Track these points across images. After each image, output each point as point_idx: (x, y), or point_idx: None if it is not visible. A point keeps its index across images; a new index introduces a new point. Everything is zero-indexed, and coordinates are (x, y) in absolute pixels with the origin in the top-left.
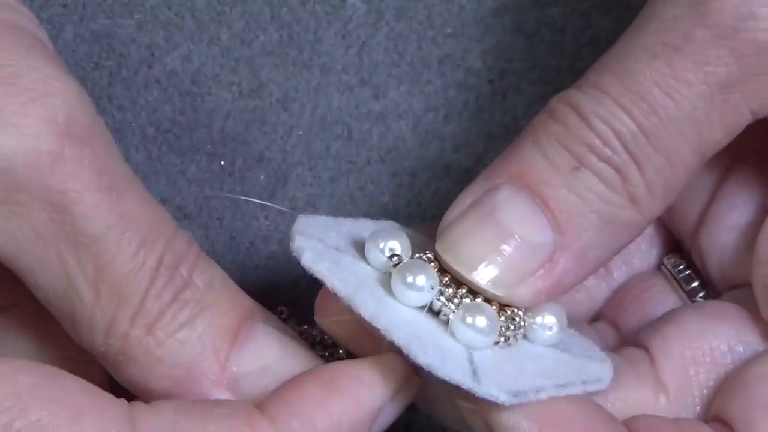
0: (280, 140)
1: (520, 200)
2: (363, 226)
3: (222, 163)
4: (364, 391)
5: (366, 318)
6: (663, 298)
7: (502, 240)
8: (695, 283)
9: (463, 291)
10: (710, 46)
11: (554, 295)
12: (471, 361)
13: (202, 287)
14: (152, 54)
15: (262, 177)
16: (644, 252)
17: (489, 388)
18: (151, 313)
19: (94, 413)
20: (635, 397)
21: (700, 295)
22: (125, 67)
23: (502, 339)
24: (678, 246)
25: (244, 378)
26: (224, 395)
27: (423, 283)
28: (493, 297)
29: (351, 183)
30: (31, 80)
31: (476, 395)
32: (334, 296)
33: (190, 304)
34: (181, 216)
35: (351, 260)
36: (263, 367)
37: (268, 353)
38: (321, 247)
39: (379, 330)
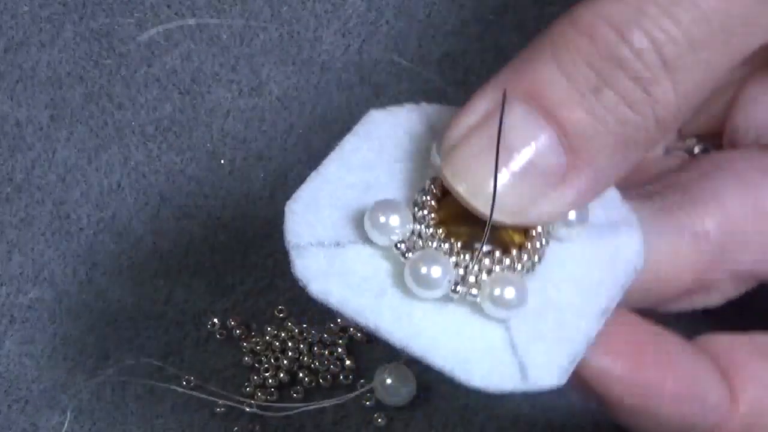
0: (279, 139)
1: (533, 122)
2: (353, 178)
3: (222, 161)
4: None
5: (397, 346)
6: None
7: (517, 166)
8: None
9: (483, 251)
10: None
11: (564, 217)
12: (512, 345)
13: None
14: (152, 52)
15: (261, 175)
16: None
17: (541, 382)
18: None
19: None
20: (677, 250)
21: None
22: (125, 66)
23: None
24: None
25: None
26: None
27: (438, 275)
28: (500, 224)
29: None
30: None
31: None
32: None
33: None
34: (181, 215)
35: (356, 253)
36: None
37: None
38: (323, 256)
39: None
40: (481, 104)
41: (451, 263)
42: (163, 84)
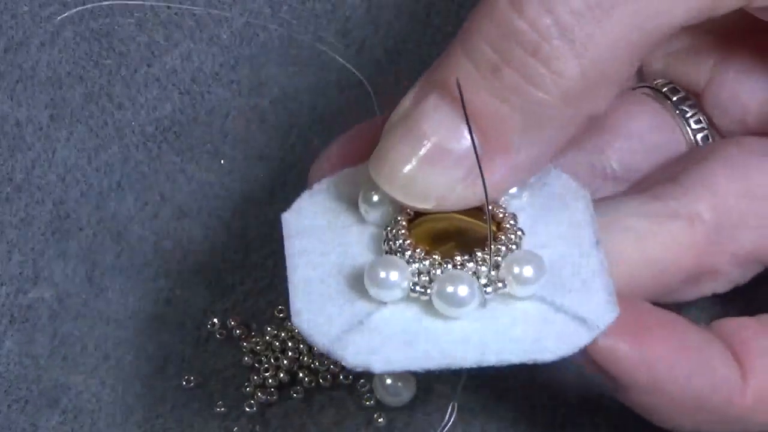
0: (279, 139)
1: (444, 109)
2: (321, 270)
3: (222, 161)
4: None
5: (472, 367)
6: (652, 114)
7: (427, 152)
8: (686, 100)
9: (477, 253)
10: None
11: (491, 200)
12: (559, 309)
13: None
14: (152, 52)
15: (261, 175)
16: None
17: (604, 321)
18: None
19: None
20: (672, 234)
21: (692, 112)
22: (125, 66)
23: (514, 246)
24: None
25: None
26: None
27: (466, 291)
28: (423, 210)
29: None
30: None
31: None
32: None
33: None
34: (181, 214)
35: (381, 319)
36: None
37: None
38: (359, 337)
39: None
40: (405, 102)
41: (475, 281)
42: (163, 84)
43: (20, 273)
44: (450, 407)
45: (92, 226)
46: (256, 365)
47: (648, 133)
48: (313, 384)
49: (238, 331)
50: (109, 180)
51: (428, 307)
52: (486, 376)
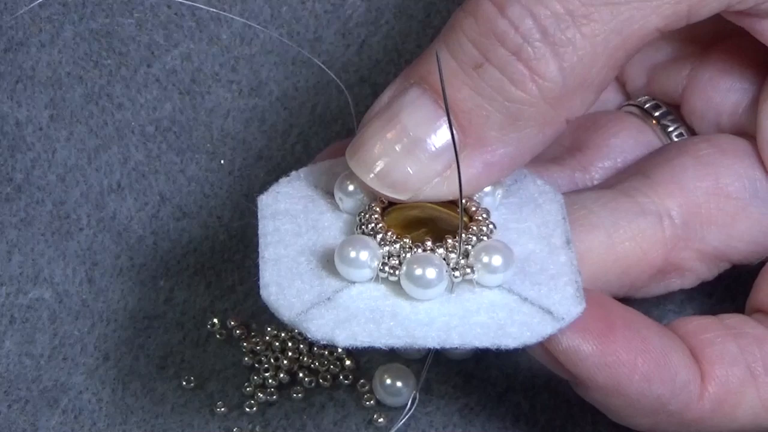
0: (279, 139)
1: (424, 102)
2: (293, 248)
3: (222, 161)
4: None
5: (436, 347)
6: (635, 132)
7: (404, 143)
8: (668, 115)
9: (449, 239)
10: None
11: (465, 194)
12: (525, 300)
13: None
14: (152, 53)
15: (261, 175)
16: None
17: (570, 313)
18: None
19: None
20: (641, 230)
21: (674, 126)
22: (125, 66)
23: (484, 238)
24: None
25: None
26: None
27: (434, 273)
28: (395, 200)
29: None
30: None
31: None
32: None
33: None
34: (181, 215)
35: (349, 297)
36: None
37: None
38: (325, 311)
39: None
40: (386, 94)
41: (438, 258)
42: (163, 84)
43: (20, 273)
44: (411, 397)
45: (92, 226)
46: (256, 365)
47: (631, 151)
48: (313, 384)
49: (238, 331)
50: (109, 180)
51: (397, 288)
52: (487, 376)
